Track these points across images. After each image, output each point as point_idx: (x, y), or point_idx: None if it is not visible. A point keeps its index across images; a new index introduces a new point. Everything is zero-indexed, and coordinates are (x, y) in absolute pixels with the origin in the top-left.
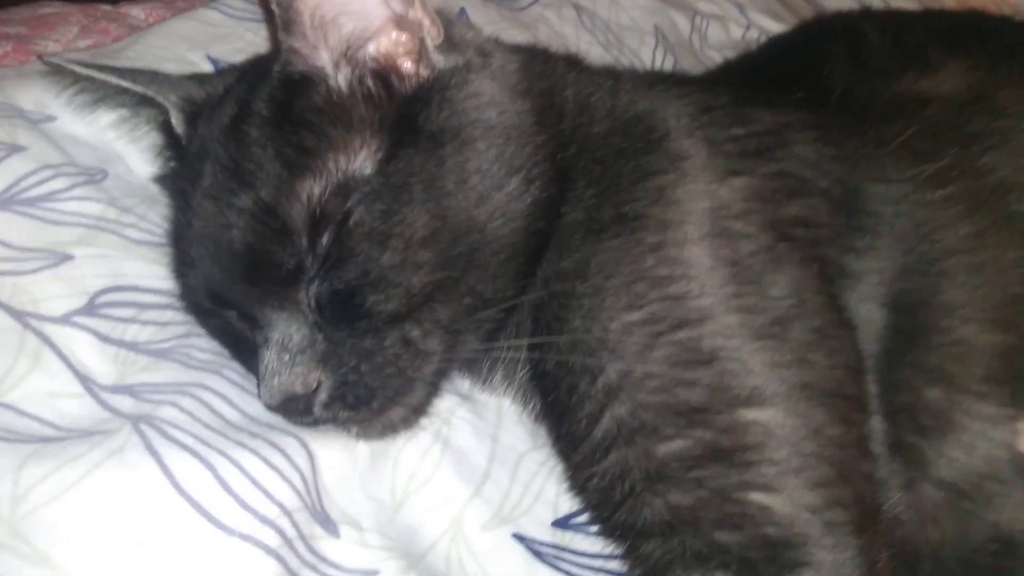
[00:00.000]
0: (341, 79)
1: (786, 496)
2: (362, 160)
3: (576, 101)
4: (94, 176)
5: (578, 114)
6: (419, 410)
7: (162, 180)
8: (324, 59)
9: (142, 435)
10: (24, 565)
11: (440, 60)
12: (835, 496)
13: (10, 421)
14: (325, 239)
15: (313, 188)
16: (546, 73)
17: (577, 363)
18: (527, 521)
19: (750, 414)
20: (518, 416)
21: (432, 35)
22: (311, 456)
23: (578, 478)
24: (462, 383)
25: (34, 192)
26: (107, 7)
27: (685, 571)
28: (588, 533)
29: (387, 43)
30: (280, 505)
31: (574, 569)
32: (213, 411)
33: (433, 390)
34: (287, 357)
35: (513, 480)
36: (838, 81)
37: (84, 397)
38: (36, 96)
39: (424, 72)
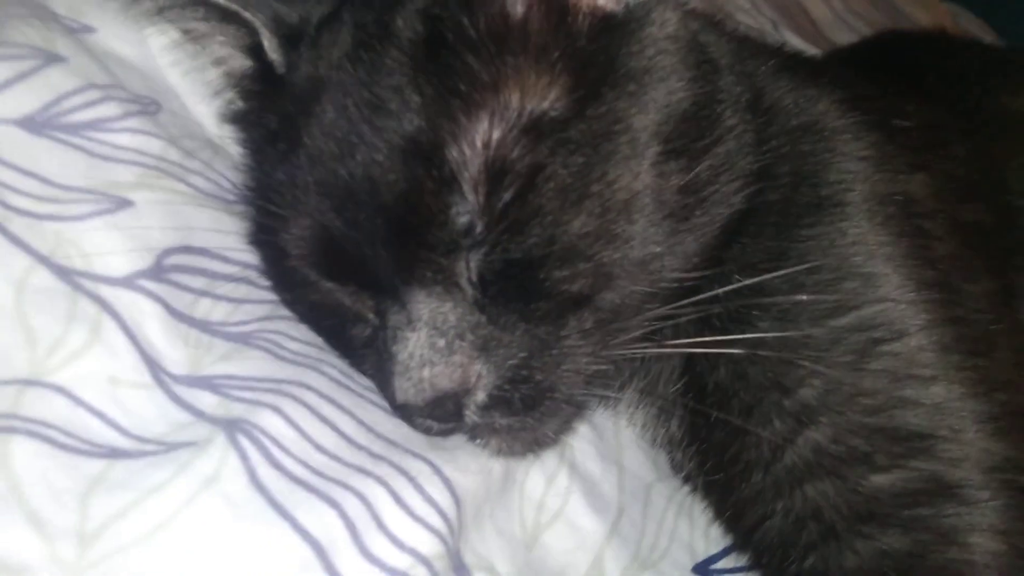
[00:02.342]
0: (512, 1)
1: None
2: (553, 99)
3: (739, 74)
4: (147, 107)
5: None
6: (571, 422)
7: (242, 118)
8: None
9: (243, 456)
10: None
11: None
12: None
13: (64, 415)
14: (507, 195)
15: (491, 130)
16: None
17: (759, 376)
18: (666, 566)
19: (979, 443)
20: (635, 439)
21: None
22: (448, 485)
23: (744, 517)
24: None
25: (79, 116)
26: None
27: None
28: None
29: None
30: (414, 552)
31: None
32: (324, 420)
33: (586, 402)
34: (442, 342)
35: (645, 516)
36: (940, 93)
37: (153, 389)
38: (70, 0)
39: (611, 4)
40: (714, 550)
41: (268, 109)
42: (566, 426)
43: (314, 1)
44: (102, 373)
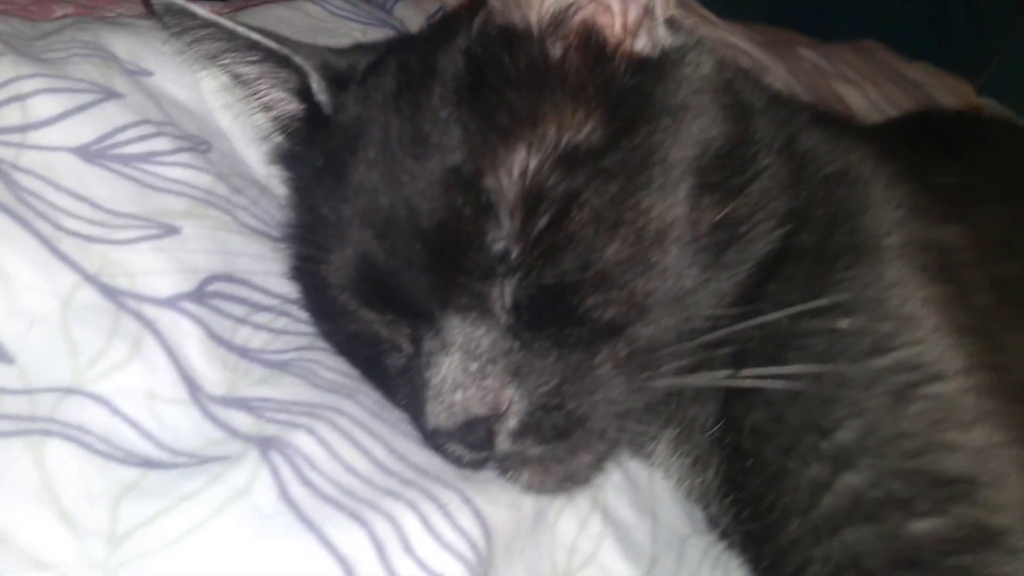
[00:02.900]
0: (551, 42)
1: None
2: (588, 132)
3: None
4: (199, 145)
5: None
6: (604, 459)
7: (289, 158)
8: (532, 19)
9: (275, 472)
10: None
11: (667, 36)
12: None
13: (102, 422)
14: (543, 221)
15: (528, 159)
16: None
17: (796, 417)
18: None
19: (1022, 490)
20: (670, 491)
21: (662, 7)
22: (478, 516)
23: (782, 566)
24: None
25: (132, 149)
26: None
27: None
28: None
29: (604, 11)
30: None
31: None
32: (356, 445)
33: (619, 438)
34: (475, 366)
35: (680, 567)
36: (978, 161)
37: (190, 406)
38: (130, 46)
39: (648, 48)
40: None
41: (315, 149)
42: (598, 464)
43: (361, 52)
44: (141, 387)
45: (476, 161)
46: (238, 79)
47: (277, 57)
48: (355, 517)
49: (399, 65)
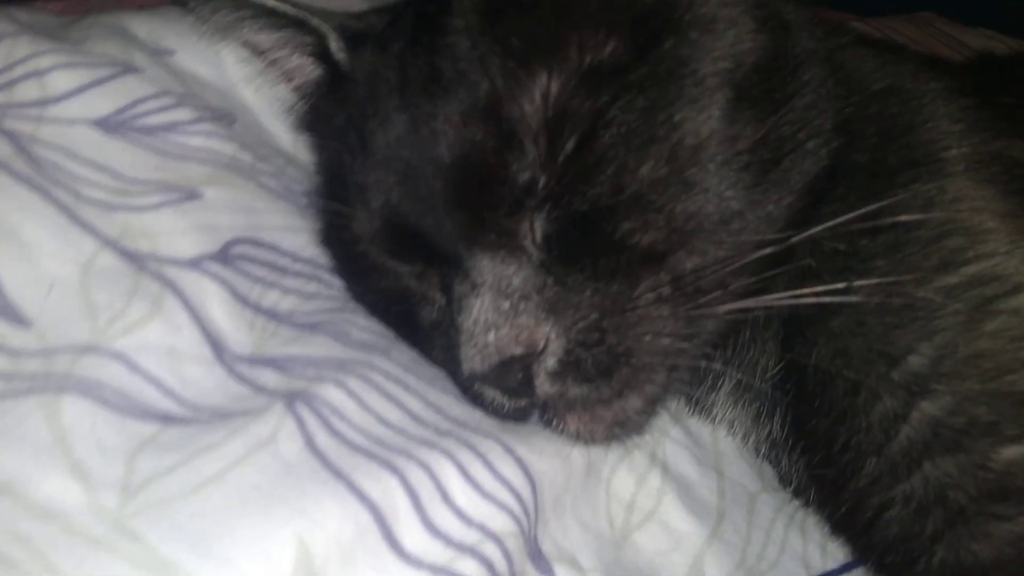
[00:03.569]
0: None
1: None
2: (611, 49)
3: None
4: (222, 117)
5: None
6: (654, 404)
7: (313, 122)
8: None
9: (300, 423)
10: (128, 569)
11: None
12: None
13: (120, 378)
14: (570, 145)
15: (550, 83)
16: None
17: (862, 348)
18: None
19: None
20: (737, 449)
21: None
22: (522, 466)
23: (860, 513)
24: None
25: (153, 120)
26: None
27: None
28: None
29: None
30: (482, 528)
31: None
32: (390, 397)
33: (670, 380)
34: (506, 305)
35: (751, 524)
36: None
37: (214, 365)
38: (151, 27)
39: None
40: (832, 565)
41: (337, 109)
42: (650, 408)
43: (379, 15)
44: (161, 344)
45: (496, 91)
46: (258, 49)
47: (294, 22)
48: (387, 465)
49: (416, 14)
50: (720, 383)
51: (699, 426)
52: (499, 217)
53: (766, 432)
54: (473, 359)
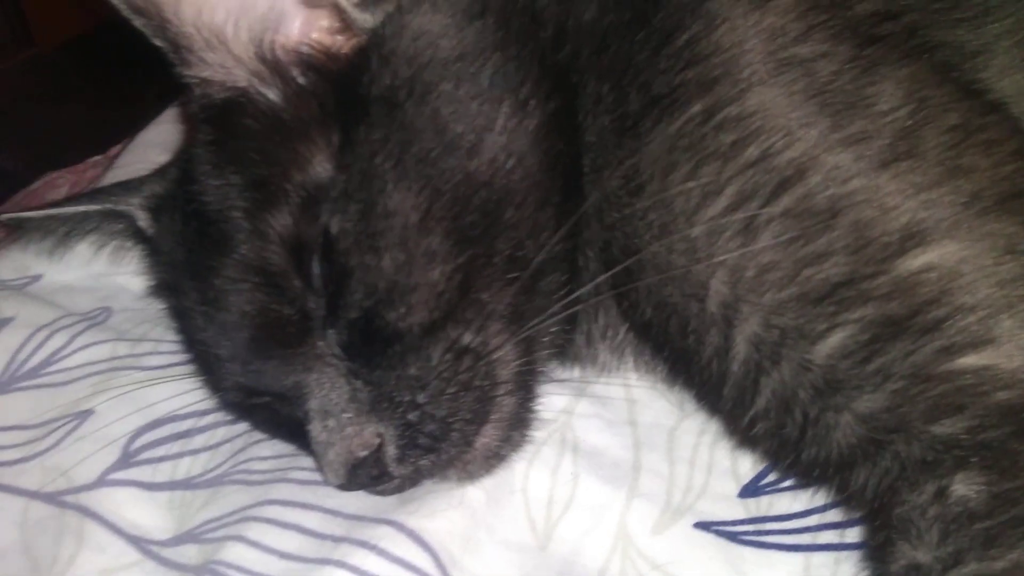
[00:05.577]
0: (266, 88)
1: (1006, 344)
2: (318, 163)
3: None
4: (96, 318)
5: (556, 4)
6: (520, 423)
7: (155, 291)
8: (240, 75)
9: None
10: None
11: (367, 18)
12: None
13: None
14: (315, 269)
15: (282, 219)
16: None
17: (674, 295)
18: (706, 503)
19: (916, 260)
20: (650, 390)
21: None
22: (415, 537)
23: (741, 430)
24: (570, 373)
25: (34, 360)
26: (96, 157)
27: (914, 490)
28: (786, 491)
29: (301, 26)
30: None
31: (785, 539)
32: (285, 526)
33: (527, 394)
34: (332, 422)
35: (672, 461)
36: None
37: (145, 562)
38: (15, 262)
39: (355, 40)
40: (761, 467)
41: (166, 276)
42: (514, 429)
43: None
44: (96, 570)
45: (250, 244)
46: (97, 242)
47: (107, 214)
48: None
49: (184, 168)
50: (593, 346)
51: (607, 387)
52: (297, 347)
53: (658, 371)
54: (331, 475)
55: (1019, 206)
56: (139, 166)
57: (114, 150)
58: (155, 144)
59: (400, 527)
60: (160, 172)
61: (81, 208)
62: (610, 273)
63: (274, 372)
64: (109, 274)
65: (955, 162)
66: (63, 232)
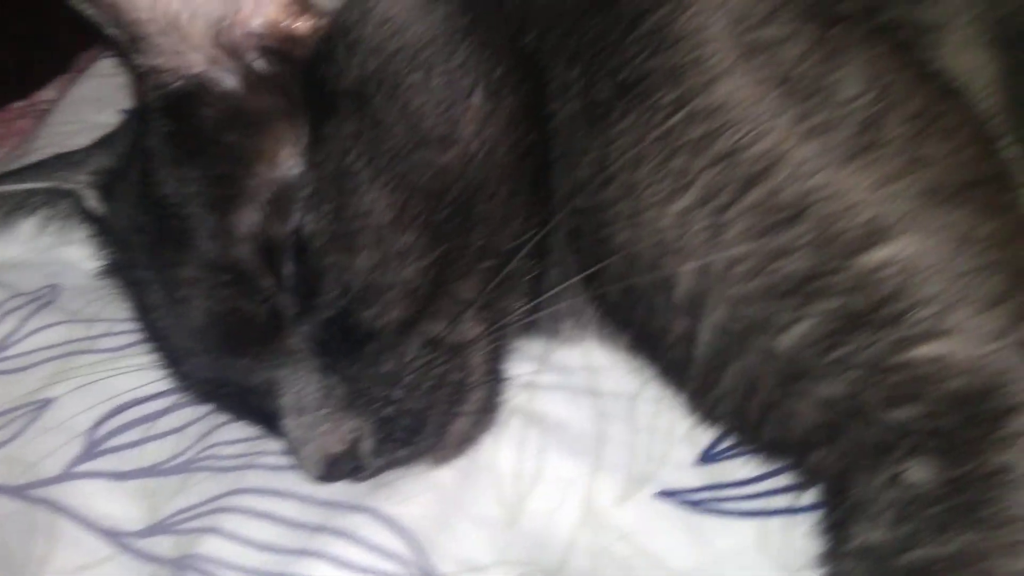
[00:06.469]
0: (227, 75)
1: (959, 334)
2: (286, 159)
3: None
4: (45, 297)
5: None
6: (490, 408)
7: (109, 272)
8: (196, 60)
9: None
10: None
11: (328, 1)
12: (1020, 307)
13: None
14: (287, 269)
15: (249, 217)
16: None
17: (642, 283)
18: (667, 472)
19: (876, 255)
20: (611, 357)
21: None
22: (391, 523)
23: (704, 408)
24: (531, 346)
25: None
26: (20, 103)
27: (870, 473)
28: (743, 457)
29: (256, 5)
30: None
31: (743, 504)
32: (261, 516)
33: (496, 382)
34: (308, 418)
35: (633, 431)
36: None
37: (120, 556)
38: None
39: (315, 22)
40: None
41: (119, 259)
42: (486, 415)
43: (126, 134)
44: (72, 568)
45: (215, 243)
46: (45, 217)
47: (54, 192)
48: None
49: (140, 147)
50: (560, 325)
51: (569, 355)
52: (272, 345)
53: (620, 342)
54: (308, 469)
55: (975, 194)
56: (74, 125)
57: (39, 95)
58: (90, 100)
59: (376, 514)
60: (106, 142)
61: (25, 187)
62: (586, 274)
63: (244, 368)
64: (55, 247)
65: (916, 152)
66: (4, 211)
